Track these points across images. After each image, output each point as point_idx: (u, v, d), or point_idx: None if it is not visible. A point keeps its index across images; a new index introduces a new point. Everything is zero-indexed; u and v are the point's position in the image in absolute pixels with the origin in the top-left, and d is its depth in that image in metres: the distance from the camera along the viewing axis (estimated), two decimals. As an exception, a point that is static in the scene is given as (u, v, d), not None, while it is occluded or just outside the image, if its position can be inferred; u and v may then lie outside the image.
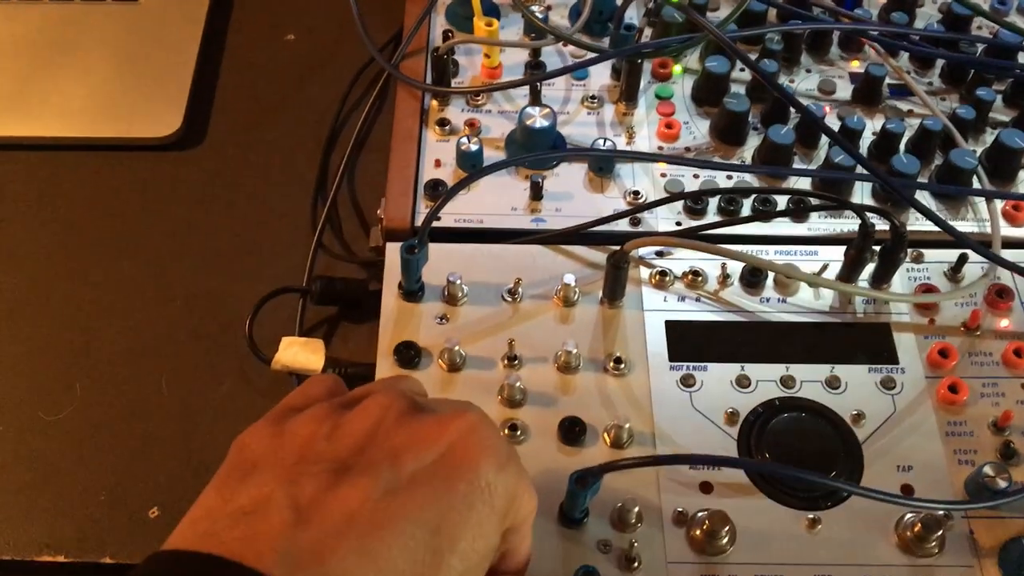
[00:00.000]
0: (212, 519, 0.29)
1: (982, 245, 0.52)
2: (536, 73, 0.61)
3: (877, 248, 0.50)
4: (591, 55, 0.60)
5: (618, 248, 0.49)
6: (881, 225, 0.50)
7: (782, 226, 0.55)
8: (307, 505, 0.29)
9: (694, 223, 0.55)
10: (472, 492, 0.31)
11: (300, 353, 0.54)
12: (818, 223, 0.55)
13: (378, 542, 0.28)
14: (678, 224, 0.55)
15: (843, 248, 0.51)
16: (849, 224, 0.54)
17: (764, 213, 0.54)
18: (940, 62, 0.63)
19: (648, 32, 0.63)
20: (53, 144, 0.65)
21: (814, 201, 0.54)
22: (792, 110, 0.59)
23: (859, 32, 0.62)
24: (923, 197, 0.56)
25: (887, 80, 0.61)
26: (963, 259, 0.51)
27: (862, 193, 0.56)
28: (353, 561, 0.28)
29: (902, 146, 0.58)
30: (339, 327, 0.58)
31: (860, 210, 0.49)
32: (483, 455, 0.31)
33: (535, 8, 0.63)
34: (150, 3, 0.73)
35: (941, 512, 0.43)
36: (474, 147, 0.56)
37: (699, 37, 0.59)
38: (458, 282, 0.50)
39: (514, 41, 0.63)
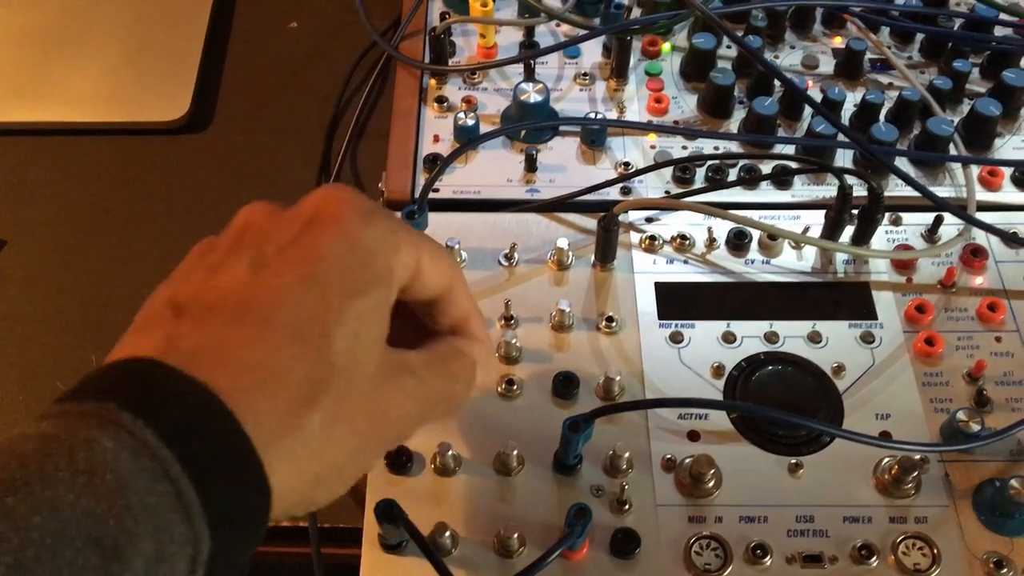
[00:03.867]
0: (118, 347, 0.30)
1: (958, 208, 0.54)
2: (530, 51, 0.63)
3: (856, 212, 0.53)
4: (582, 32, 0.62)
5: (609, 212, 0.51)
6: (860, 191, 0.52)
7: (766, 193, 0.57)
8: (187, 298, 0.30)
9: (682, 191, 0.57)
10: (342, 247, 0.31)
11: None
12: (801, 190, 0.57)
13: (254, 300, 0.29)
14: (667, 192, 0.57)
15: (824, 212, 0.53)
16: (830, 191, 0.57)
17: (749, 179, 0.57)
18: (919, 37, 0.65)
19: (637, 12, 0.65)
20: (65, 129, 0.68)
21: (796, 166, 0.56)
22: (776, 84, 0.61)
23: (841, 8, 0.65)
24: (902, 164, 0.58)
25: (868, 55, 0.63)
26: (939, 220, 0.54)
27: (843, 162, 0.59)
28: (234, 320, 0.29)
29: (882, 116, 0.60)
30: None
31: (838, 172, 0.51)
32: (344, 210, 0.32)
33: (528, -11, 0.65)
34: (157, -10, 0.76)
35: (917, 455, 0.45)
36: (471, 121, 0.58)
37: (686, 12, 0.62)
38: (457, 247, 0.52)
39: (508, 19, 0.65)
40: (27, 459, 0.25)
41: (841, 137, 0.57)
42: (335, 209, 0.32)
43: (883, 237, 0.54)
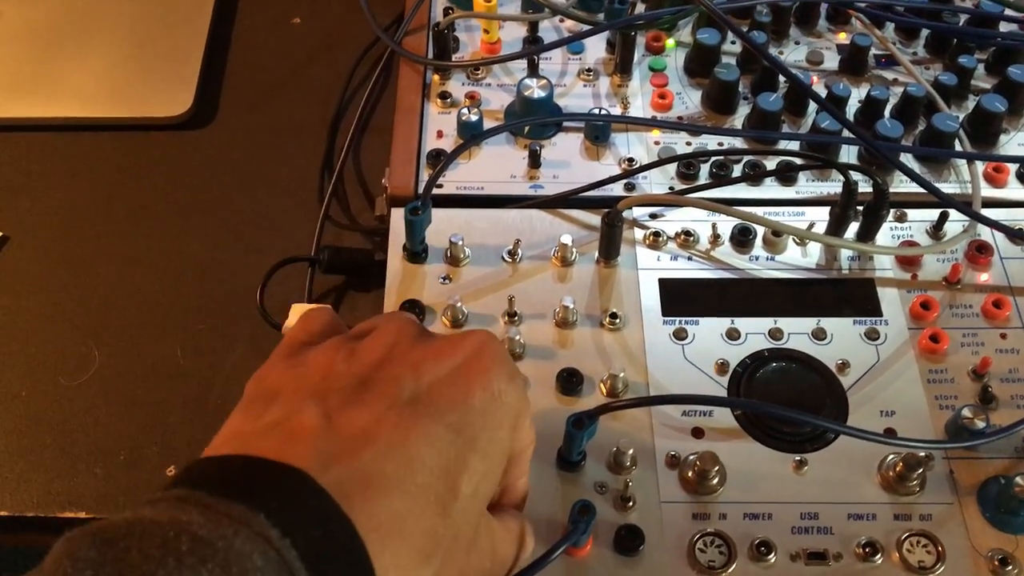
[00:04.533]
0: (243, 435, 0.31)
1: (963, 204, 0.54)
2: (533, 46, 0.63)
3: (861, 208, 0.52)
4: (586, 28, 0.62)
5: (613, 209, 0.51)
6: (865, 187, 0.52)
7: (771, 190, 0.57)
8: (336, 412, 0.30)
9: (686, 187, 0.57)
10: (486, 398, 0.33)
11: (309, 317, 0.56)
12: (805, 186, 0.57)
13: (406, 441, 0.30)
14: (671, 188, 0.57)
15: (829, 209, 0.53)
16: (835, 187, 0.57)
17: (753, 176, 0.57)
18: (924, 32, 0.65)
19: (641, 7, 0.65)
20: (68, 125, 0.68)
21: (800, 162, 0.56)
22: (781, 80, 0.61)
23: (846, 4, 0.64)
24: (907, 160, 0.58)
25: (873, 50, 0.63)
26: (944, 217, 0.54)
27: (848, 158, 0.58)
28: (385, 457, 0.29)
29: (887, 112, 0.60)
30: (346, 295, 0.60)
31: (843, 168, 0.51)
32: (494, 365, 0.33)
33: (532, -16, 0.65)
34: (160, -13, 0.76)
35: (922, 452, 0.45)
36: (474, 117, 0.58)
37: (690, 8, 0.62)
38: (460, 243, 0.52)
39: (512, 14, 0.65)
40: (182, 558, 0.25)
41: (846, 133, 0.56)
42: (486, 358, 0.33)
43: (888, 233, 0.54)
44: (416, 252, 0.53)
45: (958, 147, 0.58)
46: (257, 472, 0.28)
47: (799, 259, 0.53)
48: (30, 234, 0.63)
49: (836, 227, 0.53)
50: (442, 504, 0.30)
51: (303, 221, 0.63)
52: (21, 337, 0.58)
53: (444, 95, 0.61)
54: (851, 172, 0.51)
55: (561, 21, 0.66)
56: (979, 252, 0.53)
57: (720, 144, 0.59)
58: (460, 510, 0.31)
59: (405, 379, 0.32)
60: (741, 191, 0.57)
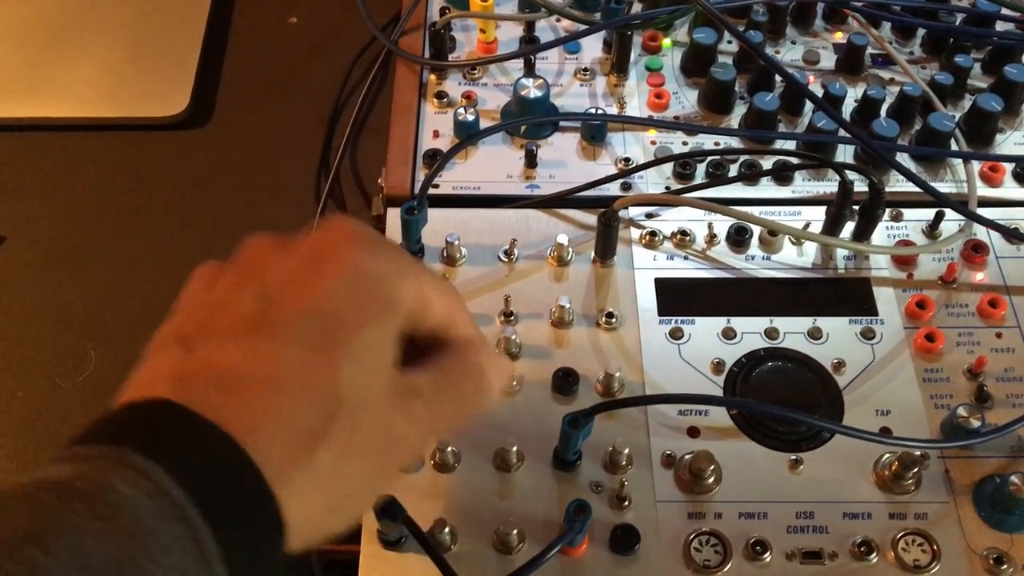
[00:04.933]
0: (126, 389, 0.30)
1: (959, 204, 0.54)
2: (530, 46, 0.63)
3: (857, 208, 0.52)
4: (583, 27, 0.62)
5: (609, 208, 0.51)
6: (861, 186, 0.52)
7: (767, 189, 0.57)
8: (192, 337, 0.30)
9: (683, 187, 0.57)
10: (345, 277, 0.31)
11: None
12: (801, 185, 0.57)
13: (262, 344, 0.29)
14: (667, 188, 0.57)
15: (825, 208, 0.53)
16: (831, 186, 0.56)
17: (749, 175, 0.57)
18: (921, 32, 0.65)
19: (637, 7, 0.65)
20: (64, 125, 0.68)
21: (797, 161, 0.56)
22: (777, 80, 0.61)
23: (842, 4, 0.64)
24: (903, 160, 0.58)
25: (869, 50, 0.63)
26: (940, 216, 0.54)
27: (844, 158, 0.58)
28: (241, 365, 0.29)
29: (883, 111, 0.60)
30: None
31: (839, 168, 0.51)
32: (346, 244, 0.32)
33: (528, -16, 0.65)
34: (157, -14, 0.76)
35: (917, 452, 0.45)
36: (471, 117, 0.58)
37: (687, 8, 0.62)
38: (456, 243, 0.52)
39: (508, 14, 0.65)
40: (46, 508, 0.25)
41: (842, 133, 0.56)
42: (338, 241, 0.32)
43: (884, 233, 0.54)
44: (412, 252, 0.53)
45: (954, 146, 0.58)
46: (123, 415, 0.28)
47: (795, 259, 0.53)
48: (26, 235, 0.63)
49: (832, 227, 0.53)
50: (323, 383, 0.29)
51: (300, 221, 0.63)
52: (17, 338, 0.58)
53: (440, 95, 0.61)
54: (847, 172, 0.51)
55: (558, 21, 0.66)
56: (975, 251, 0.53)
57: (716, 144, 0.59)
58: (350, 383, 0.30)
59: (254, 282, 0.31)
60: (737, 191, 0.57)
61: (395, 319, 0.32)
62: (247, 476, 0.27)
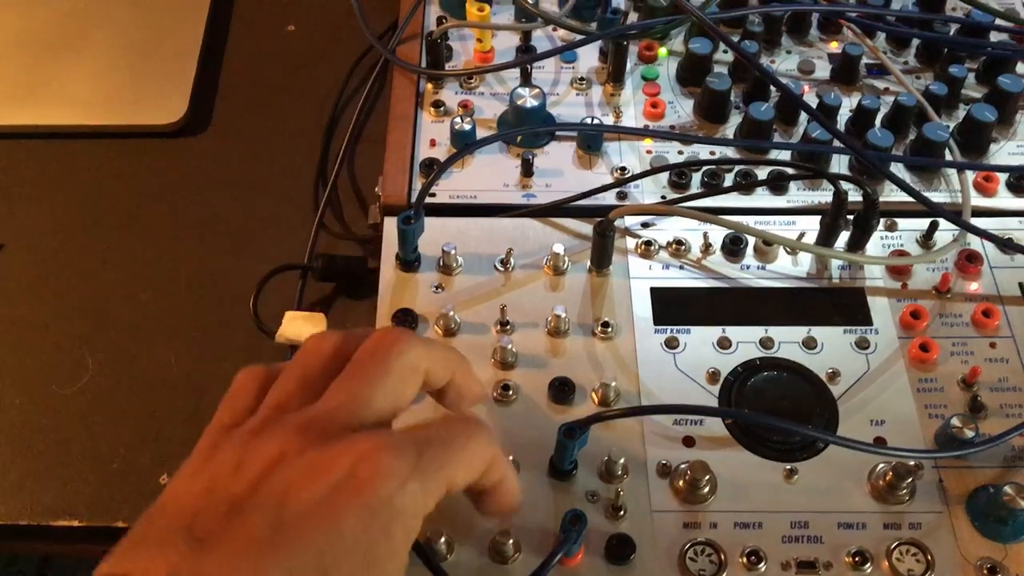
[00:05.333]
0: (121, 553, 0.32)
1: (953, 213, 0.54)
2: (526, 55, 0.63)
3: (851, 217, 0.53)
4: (579, 37, 0.62)
5: (605, 218, 0.51)
6: (855, 196, 0.52)
7: (762, 198, 0.57)
8: (203, 538, 0.31)
9: (678, 193, 0.57)
10: (363, 519, 0.31)
11: (303, 326, 0.56)
12: (796, 195, 0.57)
13: (262, 563, 0.30)
14: (663, 198, 0.57)
15: (819, 218, 0.54)
16: (826, 196, 0.57)
17: (744, 185, 0.57)
18: (915, 42, 0.65)
19: (634, 16, 0.65)
20: (61, 132, 0.68)
21: (791, 172, 0.57)
22: (772, 89, 0.61)
23: (837, 14, 0.65)
24: (898, 170, 0.58)
25: (864, 60, 0.63)
26: (934, 226, 0.54)
27: (839, 168, 0.59)
28: None
29: (877, 121, 0.60)
30: (339, 303, 0.61)
31: (834, 179, 0.51)
32: (377, 481, 0.32)
33: (525, -7, 0.65)
34: (156, -7, 0.76)
35: (912, 462, 0.45)
36: (467, 126, 0.58)
37: (682, 18, 0.62)
38: (453, 252, 0.52)
39: (504, 24, 0.65)
40: None
41: (837, 143, 0.57)
42: (374, 470, 0.32)
43: (878, 242, 0.54)
44: (409, 261, 0.53)
45: (948, 156, 0.59)
46: None
47: (790, 268, 0.54)
48: (24, 242, 0.63)
49: (827, 237, 0.53)
50: None
51: (297, 228, 0.63)
52: (15, 345, 0.58)
53: (437, 104, 0.62)
54: (841, 182, 0.51)
55: (554, 30, 0.66)
56: (969, 261, 0.53)
57: (712, 153, 0.59)
58: None
59: (272, 505, 0.31)
60: (732, 200, 0.57)
61: (406, 551, 0.33)
62: None
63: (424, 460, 0.33)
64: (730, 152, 0.59)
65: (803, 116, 0.60)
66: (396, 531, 0.32)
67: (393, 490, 0.32)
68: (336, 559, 0.31)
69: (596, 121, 0.59)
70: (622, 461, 0.45)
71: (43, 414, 0.55)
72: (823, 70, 0.64)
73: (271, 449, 0.33)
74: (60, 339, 0.58)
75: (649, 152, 0.59)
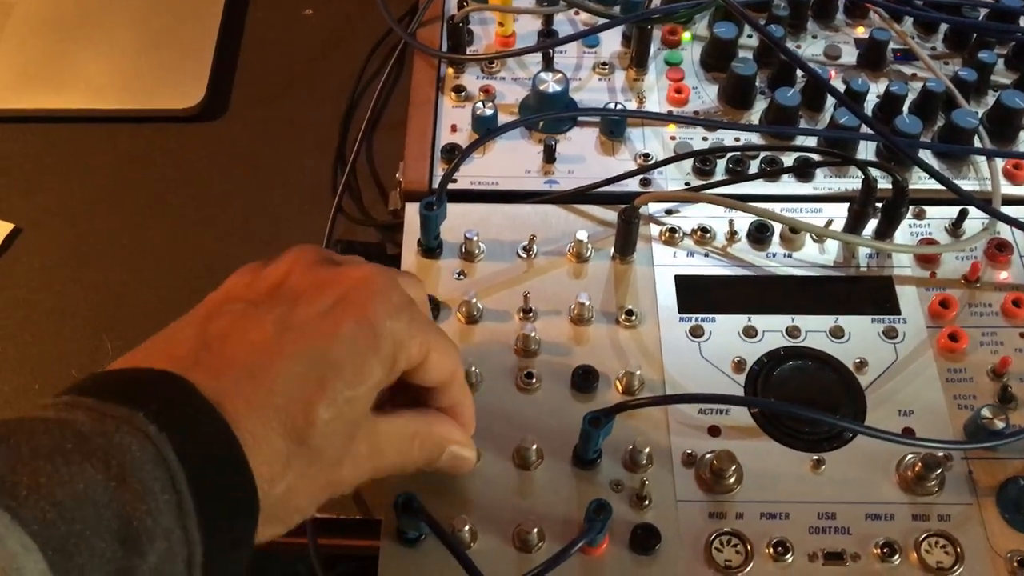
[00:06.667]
0: (138, 352, 0.35)
1: (983, 201, 0.53)
2: (548, 40, 0.63)
3: (880, 205, 0.52)
4: (602, 21, 0.61)
5: (630, 205, 0.51)
6: (884, 183, 0.51)
7: (788, 185, 0.56)
8: (214, 336, 0.34)
9: (703, 183, 0.56)
10: (357, 329, 0.35)
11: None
12: (823, 182, 0.57)
13: (267, 368, 0.33)
14: (687, 184, 0.57)
15: (847, 206, 0.53)
16: (853, 183, 0.56)
17: (770, 172, 0.56)
18: (943, 27, 0.64)
19: (658, 1, 0.64)
20: (79, 116, 0.67)
21: (819, 158, 0.56)
22: (798, 74, 0.60)
23: (864, -1, 0.64)
24: (926, 157, 0.57)
25: (891, 45, 0.62)
26: (963, 214, 0.53)
27: (866, 155, 0.58)
28: (244, 380, 0.33)
29: (905, 108, 0.59)
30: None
31: (863, 165, 0.51)
32: (373, 299, 0.36)
33: (547, -23, 0.64)
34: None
35: (941, 452, 0.45)
36: (489, 111, 0.58)
37: (707, 2, 0.61)
38: (475, 238, 0.52)
39: (526, 8, 0.64)
40: (70, 456, 0.28)
41: (864, 129, 0.56)
42: (368, 294, 0.36)
43: (907, 231, 0.54)
44: (431, 247, 0.52)
45: (977, 143, 0.58)
46: (140, 379, 0.32)
47: (817, 256, 0.53)
48: (42, 226, 0.62)
49: (854, 224, 0.52)
50: (294, 429, 0.33)
51: (316, 214, 0.63)
52: (34, 330, 0.58)
53: (458, 89, 0.61)
54: (870, 169, 0.51)
55: (576, 14, 0.65)
56: (998, 250, 0.52)
57: (737, 139, 0.58)
58: (318, 434, 0.34)
59: (282, 307, 0.35)
60: (758, 187, 0.56)
61: (387, 376, 0.36)
62: (237, 469, 0.32)
63: (413, 310, 0.37)
64: (755, 138, 0.59)
65: (830, 102, 0.60)
66: (384, 349, 0.35)
67: (385, 314, 0.36)
68: (332, 365, 0.34)
69: (619, 107, 0.58)
70: (647, 450, 0.45)
71: (63, 399, 0.55)
72: (849, 55, 0.63)
73: (282, 267, 0.37)
74: (79, 324, 0.58)
75: (673, 138, 0.59)
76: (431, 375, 0.38)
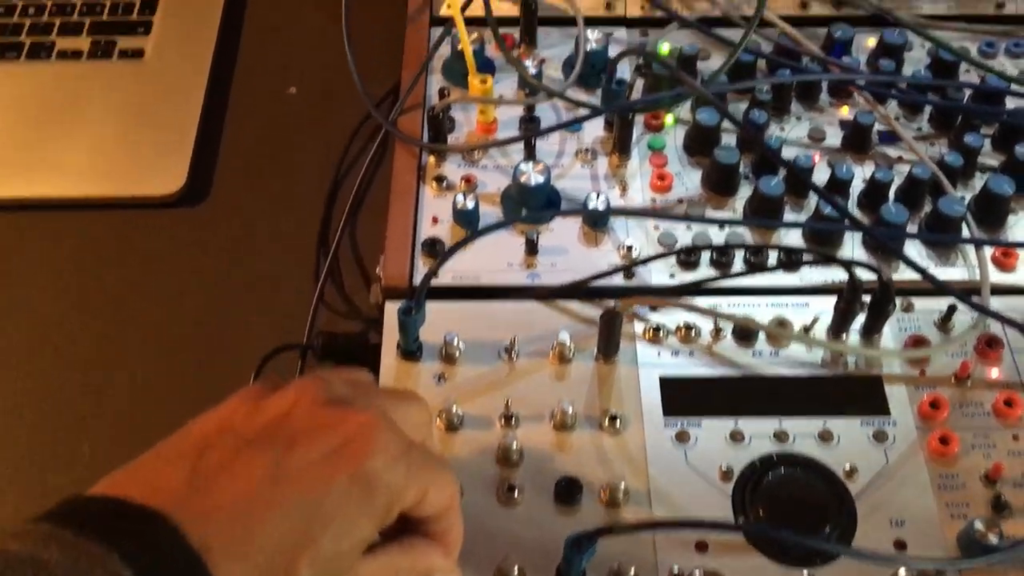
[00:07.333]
0: (124, 476, 0.34)
1: (972, 293, 0.52)
2: (530, 128, 0.62)
3: (867, 298, 0.51)
4: (584, 111, 0.61)
5: (612, 308, 0.50)
6: (871, 273, 0.51)
7: (774, 277, 0.56)
8: (204, 474, 0.33)
9: (687, 275, 0.56)
10: (351, 482, 0.34)
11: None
12: (810, 273, 0.56)
13: (256, 517, 0.32)
14: (672, 276, 0.56)
15: (834, 298, 0.52)
16: (840, 274, 0.55)
17: (756, 266, 0.55)
18: (929, 107, 0.63)
19: (640, 82, 0.64)
20: (58, 204, 0.66)
21: (805, 256, 0.55)
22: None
23: (847, 82, 0.63)
24: (913, 244, 0.57)
25: (877, 126, 0.62)
26: (952, 309, 0.52)
27: (853, 242, 0.57)
28: (229, 529, 0.32)
29: (891, 193, 0.58)
30: (341, 381, 0.59)
31: (848, 265, 0.50)
32: (370, 456, 0.35)
33: (529, 63, 0.64)
34: (154, 60, 0.75)
35: (933, 569, 0.43)
36: (470, 204, 0.57)
37: (688, 93, 0.61)
38: (455, 341, 0.51)
39: (508, 99, 0.64)
40: None
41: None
42: (365, 443, 0.35)
43: (895, 324, 0.53)
44: (410, 351, 0.51)
45: (965, 230, 0.57)
46: (123, 513, 0.31)
47: (804, 354, 0.52)
48: (13, 318, 0.61)
49: (841, 322, 0.51)
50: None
51: (298, 301, 0.62)
52: (5, 430, 0.56)
53: (440, 178, 0.60)
54: (856, 267, 0.50)
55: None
56: (989, 347, 0.51)
57: (721, 228, 0.58)
58: None
59: (278, 451, 0.34)
60: (744, 278, 0.56)
61: (380, 525, 0.35)
62: None
63: (413, 455, 0.36)
64: (740, 228, 0.58)
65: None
66: (378, 505, 0.35)
67: (382, 465, 0.35)
68: (321, 520, 0.33)
69: (602, 197, 0.57)
70: (632, 571, 0.43)
71: (38, 503, 0.54)
72: (834, 137, 0.63)
73: (285, 403, 0.36)
74: (54, 425, 0.57)
75: (657, 228, 0.58)
76: (426, 510, 0.38)
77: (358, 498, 0.34)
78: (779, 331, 0.51)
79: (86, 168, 0.68)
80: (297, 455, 0.34)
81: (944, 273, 0.55)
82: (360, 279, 0.64)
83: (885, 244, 0.53)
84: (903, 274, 0.55)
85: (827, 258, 0.54)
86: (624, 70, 0.64)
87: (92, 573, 0.28)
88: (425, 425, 0.41)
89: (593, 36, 0.65)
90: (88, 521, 0.30)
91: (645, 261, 0.55)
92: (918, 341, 0.52)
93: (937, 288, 0.52)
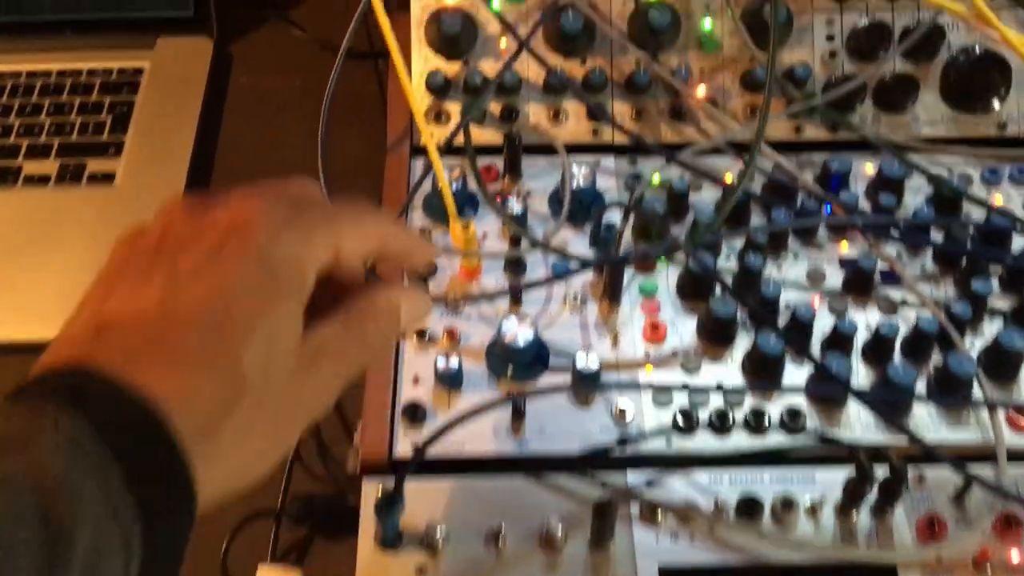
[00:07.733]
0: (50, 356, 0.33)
1: (986, 460, 0.49)
2: (516, 275, 0.59)
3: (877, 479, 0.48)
4: (573, 264, 0.58)
5: (605, 498, 0.46)
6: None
7: (776, 436, 0.53)
8: (108, 322, 0.32)
9: (684, 439, 0.53)
10: (249, 263, 0.33)
11: (277, 587, 0.52)
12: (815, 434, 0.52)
13: (171, 332, 0.31)
14: (667, 440, 0.53)
15: (843, 470, 0.49)
16: (847, 435, 0.52)
17: (755, 427, 0.52)
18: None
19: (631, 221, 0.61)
20: (24, 347, 0.63)
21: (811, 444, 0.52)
22: (782, 303, 0.57)
23: (846, 223, 0.61)
24: (921, 402, 0.54)
25: (879, 265, 0.59)
26: (968, 482, 0.49)
27: (858, 410, 0.54)
28: (151, 349, 0.31)
29: (897, 345, 0.55)
30: (317, 546, 0.56)
31: (856, 455, 0.47)
32: (251, 232, 0.33)
33: (513, 199, 0.61)
34: (126, 184, 0.73)
35: None
36: (453, 365, 0.54)
37: (679, 247, 0.58)
38: (437, 534, 0.48)
39: (491, 251, 0.61)
40: None
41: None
42: (248, 223, 0.33)
43: (907, 499, 0.50)
44: (388, 542, 0.48)
45: (976, 387, 0.54)
46: (48, 378, 0.30)
47: (812, 535, 0.49)
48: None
49: (849, 502, 0.48)
50: (224, 370, 0.31)
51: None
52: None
53: (420, 333, 0.57)
54: (864, 452, 0.47)
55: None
56: (1007, 525, 0.48)
57: (719, 386, 0.55)
58: (252, 368, 0.32)
59: (166, 263, 0.33)
60: (743, 440, 0.53)
61: (300, 295, 0.34)
62: (160, 441, 0.29)
63: (303, 218, 0.35)
64: (739, 383, 0.55)
65: (817, 338, 0.56)
66: (281, 274, 0.33)
67: (268, 238, 0.33)
68: (230, 304, 0.32)
69: (592, 355, 0.54)
70: None
71: None
72: (834, 278, 0.60)
73: (157, 225, 0.35)
74: None
75: (651, 386, 0.55)
76: (352, 262, 0.36)
77: (260, 281, 0.33)
78: (785, 515, 0.48)
79: (55, 308, 0.63)
80: (187, 259, 0.33)
81: (956, 434, 0.52)
82: (342, 430, 0.60)
83: (893, 424, 0.50)
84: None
85: (834, 444, 0.51)
86: (614, 216, 0.60)
87: (43, 430, 0.28)
88: (313, 192, 0.38)
89: (580, 172, 0.62)
90: (22, 391, 0.30)
91: (637, 439, 0.52)
92: (931, 520, 0.49)
93: (950, 465, 0.49)
